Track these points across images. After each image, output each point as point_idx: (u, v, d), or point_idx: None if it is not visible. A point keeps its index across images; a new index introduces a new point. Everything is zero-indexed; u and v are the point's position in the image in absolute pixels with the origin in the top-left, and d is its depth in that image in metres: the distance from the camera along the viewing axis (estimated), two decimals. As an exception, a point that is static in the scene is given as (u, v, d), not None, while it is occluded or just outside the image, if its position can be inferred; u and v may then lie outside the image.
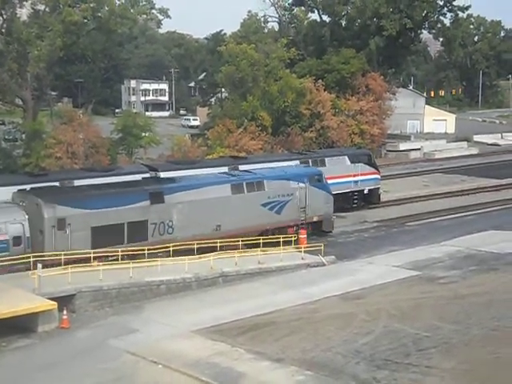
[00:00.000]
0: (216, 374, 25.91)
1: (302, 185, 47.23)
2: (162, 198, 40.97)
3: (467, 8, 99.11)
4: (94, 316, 33.15)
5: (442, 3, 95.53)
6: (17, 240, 35.84)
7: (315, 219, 48.20)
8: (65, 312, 31.67)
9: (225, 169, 49.27)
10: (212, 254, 38.87)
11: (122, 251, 37.52)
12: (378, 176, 60.32)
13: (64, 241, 36.67)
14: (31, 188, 39.59)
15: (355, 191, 57.53)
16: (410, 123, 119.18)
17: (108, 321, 32.56)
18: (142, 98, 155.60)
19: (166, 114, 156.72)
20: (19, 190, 39.23)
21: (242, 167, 49.70)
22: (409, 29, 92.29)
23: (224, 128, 70.24)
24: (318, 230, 48.69)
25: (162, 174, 46.94)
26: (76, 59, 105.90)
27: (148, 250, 38.17)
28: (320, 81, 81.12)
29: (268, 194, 45.61)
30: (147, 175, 46.78)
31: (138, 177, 45.68)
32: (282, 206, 46.22)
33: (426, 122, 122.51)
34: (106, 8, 70.87)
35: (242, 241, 41.94)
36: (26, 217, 36.45)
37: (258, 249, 40.82)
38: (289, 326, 31.09)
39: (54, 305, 31.15)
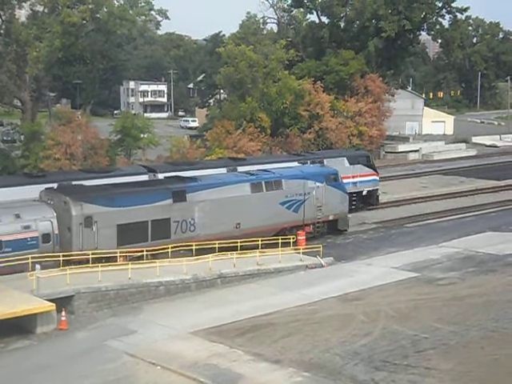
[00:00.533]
0: (214, 376, 25.91)
1: (318, 184, 48.23)
2: (185, 197, 41.82)
3: (466, 9, 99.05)
4: (92, 317, 33.13)
5: (440, 5, 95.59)
6: (46, 237, 36.75)
7: (331, 218, 49.11)
8: (63, 313, 31.64)
9: (223, 170, 49.34)
10: (210, 255, 38.87)
11: (146, 249, 38.48)
12: (377, 177, 60.31)
13: (91, 238, 37.64)
14: (58, 186, 40.54)
15: (354, 192, 57.45)
16: (408, 125, 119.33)
17: (106, 322, 32.55)
18: (141, 100, 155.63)
19: (165, 115, 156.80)
20: (46, 189, 40.04)
21: (240, 168, 49.76)
22: (407, 30, 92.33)
23: (223, 129, 70.27)
24: (333, 228, 49.56)
25: (161, 176, 46.99)
26: (74, 60, 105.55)
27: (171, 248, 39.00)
28: (319, 82, 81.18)
29: (286, 192, 46.52)
30: (146, 176, 46.85)
31: (137, 178, 45.78)
32: (300, 204, 47.11)
33: (425, 124, 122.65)
34: (105, 9, 71.04)
35: (241, 242, 42.00)
36: (55, 214, 37.37)
37: (257, 250, 40.82)
38: (287, 327, 31.09)
39: (52, 306, 31.14)
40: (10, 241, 35.67)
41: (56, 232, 37.06)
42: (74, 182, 43.13)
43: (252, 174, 46.72)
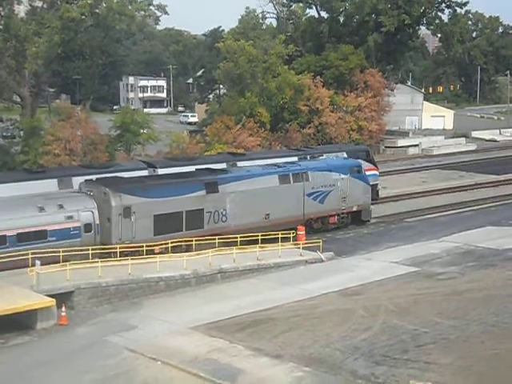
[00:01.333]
0: (215, 371, 25.92)
1: (343, 176, 49.35)
2: (217, 188, 43.05)
3: (465, 4, 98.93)
4: (92, 313, 33.15)
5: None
6: (88, 227, 38.08)
7: (355, 209, 50.36)
8: (63, 309, 31.66)
9: (223, 165, 49.36)
10: (210, 250, 38.90)
11: (179, 241, 39.76)
12: (377, 172, 60.19)
13: (129, 228, 38.94)
14: (97, 178, 41.79)
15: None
16: (408, 119, 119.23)
17: (107, 317, 32.57)
18: (140, 95, 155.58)
19: (164, 110, 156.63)
20: (86, 180, 41.43)
21: (240, 164, 49.78)
22: (407, 25, 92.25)
23: (222, 124, 70.25)
24: (356, 219, 50.72)
25: (160, 171, 47.01)
26: (74, 56, 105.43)
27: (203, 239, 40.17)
28: (318, 77, 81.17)
29: (312, 184, 47.70)
30: (145, 172, 46.87)
31: (136, 173, 45.82)
32: (325, 196, 48.34)
33: (425, 118, 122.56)
34: (104, 4, 71.00)
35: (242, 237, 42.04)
36: (95, 205, 38.60)
37: (257, 245, 40.83)
38: (287, 322, 31.10)
39: (52, 302, 31.15)
40: (55, 230, 37.01)
41: (97, 222, 38.37)
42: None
43: (280, 166, 47.94)
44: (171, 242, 39.39)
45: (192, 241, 40.08)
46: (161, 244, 39.32)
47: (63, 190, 42.07)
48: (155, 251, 38.83)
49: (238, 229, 42.72)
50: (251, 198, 44.14)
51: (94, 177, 43.84)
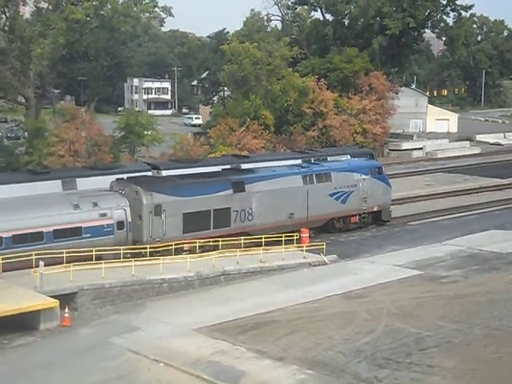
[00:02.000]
0: (217, 373, 25.92)
1: (364, 176, 50.37)
2: (243, 187, 44.11)
3: (470, 7, 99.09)
4: (95, 314, 33.16)
5: (445, 2, 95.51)
6: (120, 224, 39.06)
7: (375, 209, 51.22)
8: (66, 310, 31.68)
9: (227, 167, 49.40)
10: (214, 252, 38.92)
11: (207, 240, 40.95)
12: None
13: (159, 226, 39.97)
14: (128, 177, 42.81)
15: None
16: (412, 122, 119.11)
17: (110, 319, 32.58)
18: (145, 97, 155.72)
19: (169, 112, 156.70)
20: (117, 179, 42.50)
21: (244, 166, 49.78)
22: (412, 28, 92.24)
23: (226, 127, 70.29)
24: (377, 219, 51.62)
25: (164, 173, 47.05)
26: (79, 57, 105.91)
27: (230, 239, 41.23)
28: (323, 80, 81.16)
29: (335, 184, 48.75)
30: (149, 173, 46.92)
31: (141, 175, 45.85)
32: (347, 196, 49.28)
33: (429, 122, 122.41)
34: (109, 6, 71.05)
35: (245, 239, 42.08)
36: (128, 203, 39.57)
37: (260, 247, 40.82)
38: (290, 324, 31.09)
39: (55, 303, 31.17)
40: (90, 227, 38.04)
41: (129, 220, 39.32)
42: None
43: (303, 167, 49.16)
44: (199, 241, 40.41)
45: (219, 240, 40.96)
46: (189, 242, 40.40)
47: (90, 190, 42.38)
48: (184, 248, 40.03)
49: (263, 227, 43.98)
50: (276, 197, 45.14)
51: (98, 178, 44.09)
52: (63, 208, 38.07)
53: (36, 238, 36.22)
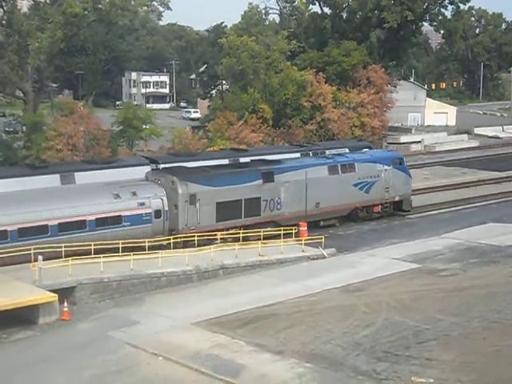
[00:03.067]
0: (216, 366, 25.96)
1: (386, 167, 52.04)
2: (273, 178, 45.79)
3: (468, 0, 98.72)
4: (94, 308, 33.20)
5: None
6: (158, 213, 40.67)
7: (397, 199, 52.87)
8: (65, 304, 31.74)
9: (225, 161, 49.46)
10: (212, 246, 38.94)
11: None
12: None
13: (194, 214, 41.59)
14: (163, 168, 44.81)
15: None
16: (410, 116, 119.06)
17: (109, 313, 32.62)
18: (143, 91, 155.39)
19: (167, 106, 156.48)
20: (153, 169, 44.55)
21: (242, 160, 49.81)
22: (410, 21, 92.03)
23: (225, 120, 70.16)
24: (398, 209, 53.15)
25: (163, 166, 47.02)
26: (77, 51, 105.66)
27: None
28: (321, 73, 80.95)
29: (358, 175, 50.47)
30: (148, 167, 46.92)
31: (139, 169, 45.96)
32: (370, 186, 51.00)
33: (427, 115, 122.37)
34: (107, 0, 70.79)
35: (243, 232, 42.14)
36: (165, 193, 41.14)
37: (259, 241, 40.85)
38: (289, 318, 31.14)
39: (54, 297, 31.21)
40: (129, 216, 39.62)
41: (166, 209, 40.84)
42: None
43: (328, 158, 51.14)
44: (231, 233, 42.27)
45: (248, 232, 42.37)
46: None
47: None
48: (218, 237, 41.41)
49: (291, 216, 45.84)
50: (303, 187, 46.55)
51: (96, 172, 44.12)
52: (104, 197, 39.59)
53: (79, 226, 37.83)
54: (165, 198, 40.92)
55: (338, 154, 52.77)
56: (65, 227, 37.24)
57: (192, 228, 41.30)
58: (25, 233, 35.92)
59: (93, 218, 38.30)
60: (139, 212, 40.02)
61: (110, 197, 39.72)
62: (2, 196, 38.42)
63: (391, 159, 53.52)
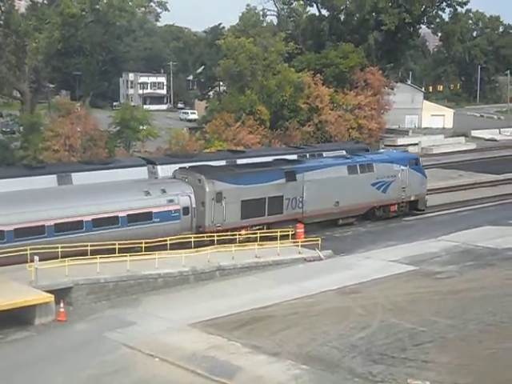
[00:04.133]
0: (212, 368, 25.96)
1: (403, 167, 53.08)
2: (295, 177, 46.89)
3: (466, 3, 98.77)
4: (91, 309, 33.17)
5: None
6: (186, 210, 41.82)
7: (412, 198, 53.92)
8: (62, 305, 31.70)
9: (222, 162, 49.51)
10: (209, 247, 38.93)
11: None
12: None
13: (220, 212, 42.71)
14: (190, 166, 45.53)
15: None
16: (408, 118, 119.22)
17: (105, 314, 32.60)
18: (140, 91, 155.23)
19: (164, 107, 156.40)
20: (180, 168, 45.13)
21: (239, 161, 49.84)
22: (407, 23, 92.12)
23: (222, 122, 70.16)
24: (413, 208, 54.17)
25: (160, 168, 47.09)
26: (74, 52, 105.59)
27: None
28: (318, 75, 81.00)
29: (376, 175, 51.56)
30: (144, 168, 46.96)
31: (135, 170, 46.05)
32: (387, 185, 52.05)
33: (424, 117, 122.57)
34: (105, 0, 70.86)
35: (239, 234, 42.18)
36: (192, 190, 42.26)
37: (256, 243, 40.85)
38: (285, 320, 31.14)
39: (50, 297, 31.18)
40: (159, 212, 40.71)
41: (194, 206, 42.01)
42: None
43: (347, 158, 52.47)
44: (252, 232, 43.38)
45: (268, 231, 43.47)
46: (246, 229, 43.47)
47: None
48: (241, 234, 42.77)
49: (311, 214, 47.15)
50: (324, 186, 47.82)
51: (93, 173, 44.14)
52: (136, 194, 40.69)
53: (112, 222, 38.86)
54: (192, 196, 42.06)
55: (357, 154, 53.89)
56: (98, 223, 38.35)
57: (218, 225, 42.49)
58: (60, 228, 37.06)
59: (124, 214, 39.32)
60: (168, 209, 41.08)
61: (141, 194, 40.86)
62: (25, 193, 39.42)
63: (408, 159, 54.83)
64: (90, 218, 38.10)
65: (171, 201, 41.32)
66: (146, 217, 40.24)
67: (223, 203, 42.78)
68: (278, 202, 45.61)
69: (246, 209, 43.76)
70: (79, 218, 37.84)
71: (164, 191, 41.48)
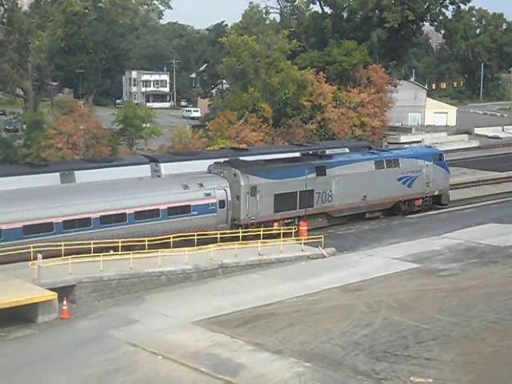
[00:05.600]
0: (215, 365, 25.96)
1: (427, 163, 54.37)
2: (325, 171, 48.44)
3: (469, 0, 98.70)
4: (94, 307, 33.20)
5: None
6: (222, 203, 43.35)
7: (436, 193, 55.28)
8: (65, 302, 31.72)
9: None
10: (212, 245, 38.94)
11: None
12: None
13: (254, 205, 44.28)
14: (225, 161, 46.80)
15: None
16: (411, 116, 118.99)
17: (108, 311, 32.60)
18: (143, 89, 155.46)
19: (167, 105, 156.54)
20: (215, 163, 46.46)
21: (242, 159, 49.81)
22: (410, 21, 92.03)
23: (225, 119, 70.15)
24: (436, 203, 55.44)
25: (163, 165, 47.09)
26: (77, 50, 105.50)
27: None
28: (321, 73, 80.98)
29: (402, 170, 52.92)
30: (148, 166, 46.98)
31: (138, 168, 46.14)
32: (412, 180, 53.46)
33: (427, 115, 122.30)
34: (108, -2, 70.92)
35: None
36: (228, 184, 43.83)
37: (259, 240, 40.85)
38: (288, 317, 31.13)
39: (54, 295, 31.19)
40: (197, 205, 42.29)
41: (229, 199, 43.51)
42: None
43: (374, 153, 53.83)
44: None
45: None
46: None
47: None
48: (274, 226, 44.24)
49: (340, 208, 48.99)
50: (352, 180, 49.36)
51: (96, 171, 44.19)
52: (175, 188, 42.19)
53: (153, 214, 40.37)
54: (228, 189, 43.52)
55: (383, 150, 55.31)
56: (140, 216, 39.89)
57: (252, 218, 44.09)
58: (106, 221, 38.73)
59: (165, 207, 40.72)
60: (206, 202, 42.60)
61: (180, 188, 42.22)
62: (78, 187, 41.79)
63: (432, 155, 55.77)
64: (132, 211, 39.69)
65: (208, 194, 42.85)
66: (185, 210, 41.75)
67: (257, 197, 44.30)
68: (308, 196, 46.85)
69: (279, 202, 45.27)
70: (123, 211, 39.43)
71: (201, 185, 42.98)
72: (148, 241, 38.03)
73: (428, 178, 54.08)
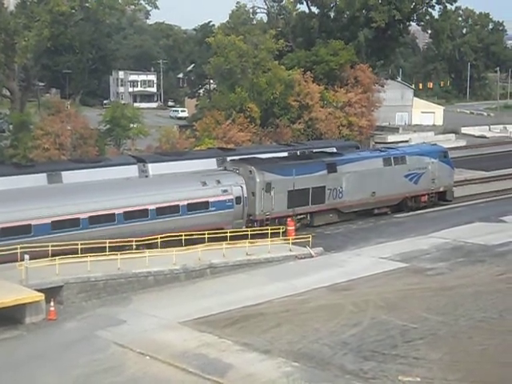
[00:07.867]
0: (203, 365, 25.95)
1: (433, 160, 55.89)
2: (335, 168, 49.78)
3: (455, 0, 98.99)
4: (81, 307, 33.09)
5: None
6: (238, 199, 44.34)
7: (441, 189, 56.82)
8: (52, 303, 31.59)
9: (213, 160, 49.59)
10: (200, 245, 38.90)
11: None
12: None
13: (269, 201, 45.55)
14: (240, 159, 48.38)
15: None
16: (398, 115, 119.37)
17: (96, 312, 32.52)
18: (130, 89, 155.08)
19: (155, 105, 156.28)
20: (231, 160, 48.22)
21: (230, 159, 49.84)
22: (397, 21, 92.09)
23: (212, 119, 70.09)
24: (441, 199, 56.89)
25: (150, 166, 47.01)
26: (64, 50, 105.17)
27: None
28: (308, 72, 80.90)
29: (409, 167, 54.38)
30: (135, 167, 46.86)
31: (126, 168, 46.02)
32: (419, 177, 54.85)
33: (414, 114, 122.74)
34: (94, -2, 70.75)
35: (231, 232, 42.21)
36: (244, 181, 44.84)
37: (246, 240, 40.83)
38: (276, 317, 31.14)
39: (41, 296, 31.08)
40: (215, 201, 43.27)
41: (245, 195, 44.58)
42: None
43: (382, 151, 55.53)
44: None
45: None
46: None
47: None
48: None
49: (350, 204, 50.30)
50: (361, 177, 50.74)
51: (83, 171, 44.06)
52: (194, 185, 43.11)
53: (174, 210, 41.31)
54: (244, 186, 44.51)
55: (391, 148, 56.81)
56: (161, 212, 40.81)
57: (267, 214, 45.40)
58: (130, 216, 39.61)
59: (185, 203, 41.71)
60: (223, 198, 43.60)
61: (199, 184, 43.20)
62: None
63: (437, 152, 57.32)
64: (154, 207, 40.53)
65: (225, 191, 43.79)
66: (204, 206, 42.74)
67: (272, 193, 45.52)
68: (320, 192, 48.27)
69: (292, 198, 46.46)
70: (145, 207, 40.32)
71: (219, 182, 43.97)
72: (166, 237, 38.75)
73: (434, 175, 55.46)
